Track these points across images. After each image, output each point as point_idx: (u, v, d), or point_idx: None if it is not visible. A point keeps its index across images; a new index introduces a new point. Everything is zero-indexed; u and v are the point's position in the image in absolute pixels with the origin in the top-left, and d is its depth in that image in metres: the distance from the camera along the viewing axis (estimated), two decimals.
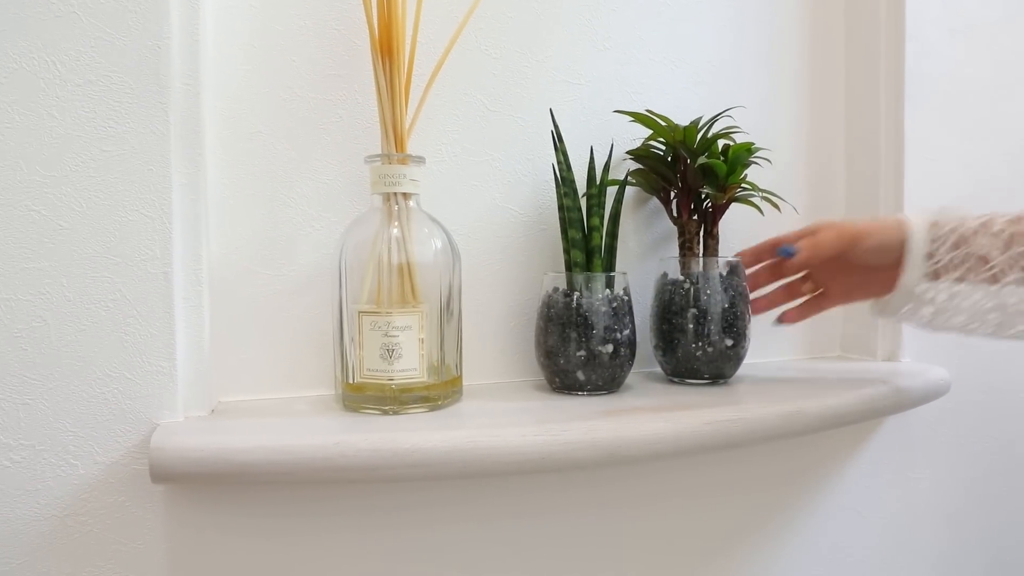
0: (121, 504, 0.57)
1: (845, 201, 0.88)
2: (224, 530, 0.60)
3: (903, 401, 0.72)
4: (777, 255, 0.67)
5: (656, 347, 0.73)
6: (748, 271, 0.71)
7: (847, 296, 0.69)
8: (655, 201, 0.78)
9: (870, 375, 0.75)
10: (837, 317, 0.88)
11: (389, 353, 0.59)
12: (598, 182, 0.68)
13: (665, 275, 0.72)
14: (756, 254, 0.70)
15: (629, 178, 0.74)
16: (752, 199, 0.73)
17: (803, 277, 0.69)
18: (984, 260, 0.58)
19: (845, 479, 0.83)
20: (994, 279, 0.58)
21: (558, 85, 0.74)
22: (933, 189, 0.84)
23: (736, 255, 0.71)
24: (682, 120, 0.72)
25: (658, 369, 0.75)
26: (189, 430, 0.55)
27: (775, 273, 0.70)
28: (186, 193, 0.58)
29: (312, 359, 0.67)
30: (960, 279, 0.59)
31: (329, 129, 0.67)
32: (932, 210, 0.62)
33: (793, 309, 0.70)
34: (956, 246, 0.58)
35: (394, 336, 0.59)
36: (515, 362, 0.74)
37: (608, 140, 0.75)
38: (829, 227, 0.64)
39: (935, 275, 0.60)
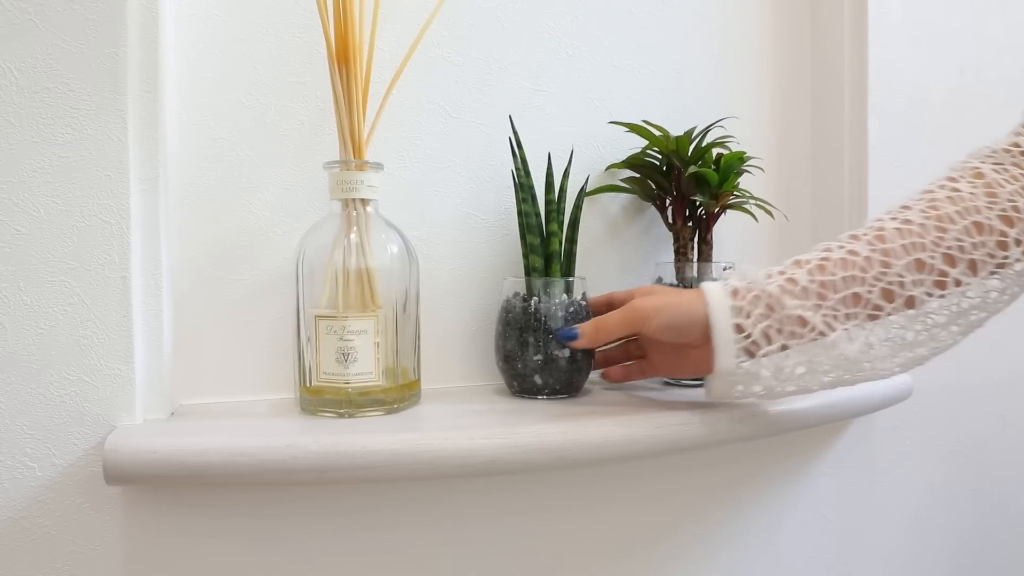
0: (79, 506, 0.57)
1: (811, 206, 0.89)
2: (182, 532, 0.61)
3: (863, 406, 0.73)
4: (560, 339, 0.63)
5: None
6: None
7: (670, 371, 0.65)
8: (652, 209, 0.79)
9: None
10: None
11: (345, 357, 0.59)
12: (557, 188, 0.69)
13: (660, 280, 0.74)
14: (594, 306, 0.68)
15: (622, 183, 0.76)
16: (745, 206, 0.75)
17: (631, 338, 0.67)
18: (802, 321, 0.51)
19: (808, 482, 0.84)
20: (820, 336, 0.51)
21: (520, 91, 0.75)
22: (898, 195, 0.84)
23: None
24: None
25: None
26: (145, 432, 0.56)
27: None
28: (145, 199, 0.59)
29: (275, 362, 0.68)
30: (785, 346, 0.52)
31: (291, 135, 0.68)
32: (735, 275, 0.55)
33: (617, 367, 0.69)
34: (767, 313, 0.51)
35: (349, 340, 0.59)
36: (477, 366, 0.74)
37: (571, 146, 0.76)
38: (622, 309, 0.60)
39: (750, 351, 0.52)
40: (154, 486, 0.59)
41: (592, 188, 0.76)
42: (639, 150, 0.76)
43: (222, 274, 0.66)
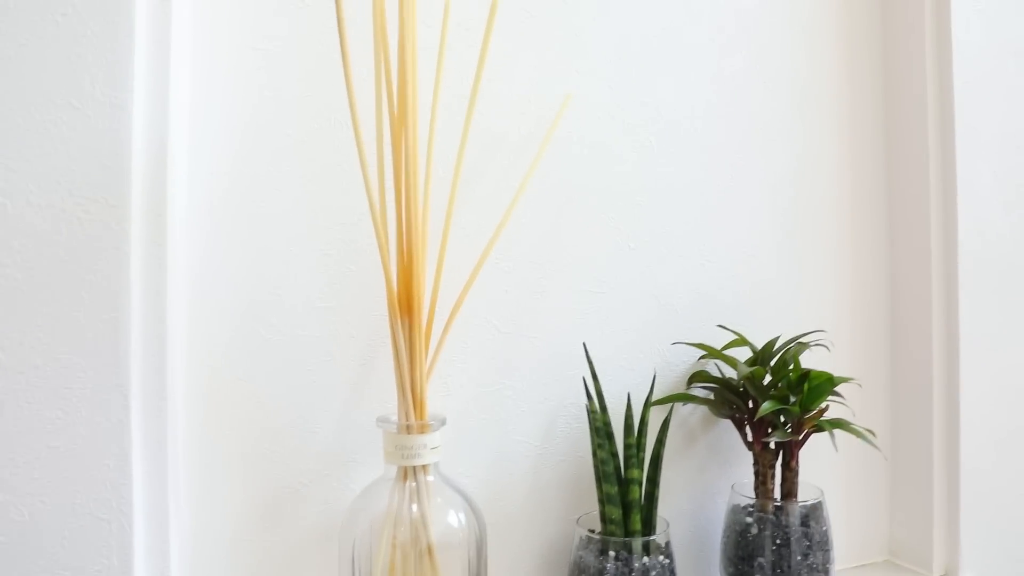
0: None
1: (890, 387, 0.79)
2: None
3: None
4: None
5: None
6: None
7: None
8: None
9: None
10: (883, 516, 0.79)
11: None
12: (637, 423, 0.60)
13: (736, 507, 0.65)
14: None
15: (693, 391, 0.69)
16: (833, 431, 0.63)
17: None
18: None
19: None
20: None
21: (580, 295, 0.66)
22: (991, 376, 0.76)
23: None
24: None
25: None
26: None
27: None
28: (150, 486, 0.49)
29: None
30: None
31: (316, 370, 0.58)
32: None
33: None
34: None
35: None
36: None
37: (640, 357, 0.67)
38: None
39: None
40: None
41: (661, 396, 0.67)
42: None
43: (252, 537, 0.56)
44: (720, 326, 0.69)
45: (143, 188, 0.48)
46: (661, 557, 0.59)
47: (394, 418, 0.54)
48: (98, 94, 0.47)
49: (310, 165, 0.58)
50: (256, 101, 0.56)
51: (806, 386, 0.62)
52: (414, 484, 0.53)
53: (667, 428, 0.61)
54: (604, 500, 0.59)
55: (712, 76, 0.71)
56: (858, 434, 0.61)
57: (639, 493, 0.59)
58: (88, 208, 0.47)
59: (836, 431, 0.62)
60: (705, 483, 0.70)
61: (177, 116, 0.51)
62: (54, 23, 0.46)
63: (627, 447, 0.60)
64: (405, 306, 0.52)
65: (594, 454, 0.60)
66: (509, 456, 0.64)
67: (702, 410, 0.70)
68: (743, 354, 0.68)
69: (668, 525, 0.61)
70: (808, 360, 0.68)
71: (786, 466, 0.65)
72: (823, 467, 0.74)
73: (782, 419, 0.63)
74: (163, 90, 0.49)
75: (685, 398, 0.67)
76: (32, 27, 0.45)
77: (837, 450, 0.61)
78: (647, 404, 0.61)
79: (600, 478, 0.59)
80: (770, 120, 0.73)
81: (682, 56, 0.70)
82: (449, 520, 0.54)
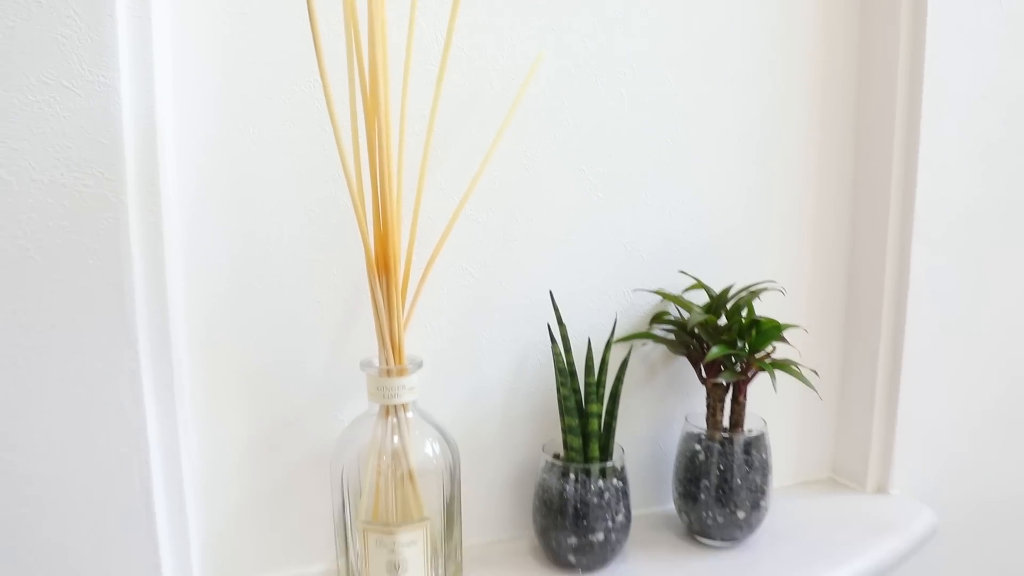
0: None
1: (843, 329, 0.85)
2: None
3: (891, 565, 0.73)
4: None
5: (675, 500, 0.74)
6: None
7: None
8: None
9: (858, 524, 0.76)
10: (829, 440, 0.87)
11: (395, 568, 0.59)
12: (596, 371, 0.66)
13: (689, 435, 0.72)
14: None
15: (652, 331, 0.74)
16: (775, 371, 0.69)
17: None
18: None
19: None
20: None
21: (551, 243, 0.70)
22: (935, 321, 0.81)
23: None
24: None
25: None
26: None
27: None
28: (162, 423, 0.56)
29: (307, 538, 0.67)
30: None
31: (307, 326, 0.64)
32: None
33: None
34: None
35: (400, 552, 0.58)
36: (514, 519, 0.73)
37: (606, 299, 0.73)
38: None
39: None
40: None
41: (626, 334, 0.73)
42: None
43: (250, 463, 0.64)
44: (682, 271, 0.74)
45: (135, 160, 0.52)
46: (615, 480, 0.66)
47: (376, 362, 0.60)
48: (87, 73, 0.50)
49: (292, 127, 0.61)
50: (236, 66, 0.59)
51: (754, 331, 0.68)
52: (395, 420, 0.60)
53: (626, 367, 0.68)
54: (566, 431, 0.66)
55: (685, 28, 0.72)
56: (797, 375, 0.68)
57: (598, 425, 0.66)
58: (86, 182, 0.51)
59: (779, 372, 0.68)
60: (663, 412, 0.78)
61: (162, 88, 0.54)
62: (37, 4, 0.48)
63: (587, 384, 0.66)
64: (382, 266, 0.57)
65: (558, 391, 0.66)
66: (483, 391, 0.70)
67: (663, 347, 0.76)
68: (702, 298, 0.73)
69: (623, 452, 0.68)
70: (768, 305, 0.74)
71: (735, 400, 0.71)
72: (777, 397, 0.81)
73: (732, 360, 0.70)
74: (147, 65, 0.52)
75: (645, 336, 0.73)
76: (16, 10, 0.48)
77: (776, 391, 0.68)
78: (608, 345, 0.67)
79: (563, 411, 0.66)
80: (741, 71, 0.75)
81: (655, 8, 0.70)
82: (426, 451, 0.61)
